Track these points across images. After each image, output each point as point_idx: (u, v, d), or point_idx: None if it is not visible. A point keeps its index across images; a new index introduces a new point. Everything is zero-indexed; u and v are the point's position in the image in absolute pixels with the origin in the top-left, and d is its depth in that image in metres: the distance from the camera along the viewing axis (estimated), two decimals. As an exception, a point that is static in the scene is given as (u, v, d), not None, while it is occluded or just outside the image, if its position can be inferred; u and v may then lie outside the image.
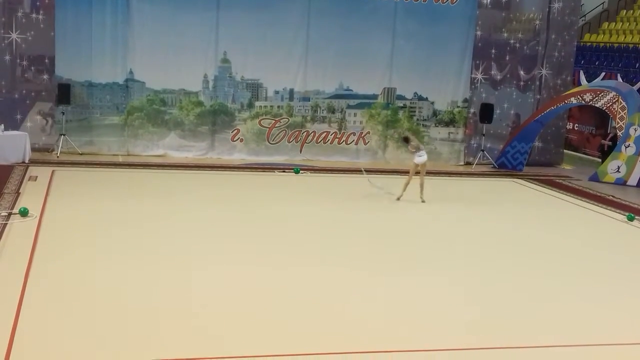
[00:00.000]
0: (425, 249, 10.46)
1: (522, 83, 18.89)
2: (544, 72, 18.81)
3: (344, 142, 18.01)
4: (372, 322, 7.40)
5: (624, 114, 16.68)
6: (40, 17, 15.78)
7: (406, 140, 13.65)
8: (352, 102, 18.06)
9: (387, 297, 8.18)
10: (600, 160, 18.79)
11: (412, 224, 11.95)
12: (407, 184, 13.11)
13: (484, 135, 18.36)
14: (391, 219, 12.13)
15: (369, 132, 18.12)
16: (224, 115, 17.42)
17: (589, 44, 24.16)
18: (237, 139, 17.43)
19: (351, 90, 18.03)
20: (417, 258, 9.97)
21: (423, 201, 13.11)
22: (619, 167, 16.64)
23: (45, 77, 16.03)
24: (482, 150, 18.08)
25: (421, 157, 12.99)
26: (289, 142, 17.68)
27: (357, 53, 17.64)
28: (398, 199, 13.19)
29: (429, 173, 13.84)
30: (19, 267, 8.25)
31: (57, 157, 15.56)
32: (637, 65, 21.13)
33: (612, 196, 15.02)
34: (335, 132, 17.97)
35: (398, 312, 7.76)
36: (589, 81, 20.56)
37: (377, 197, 13.70)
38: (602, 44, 23.78)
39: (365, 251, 10.01)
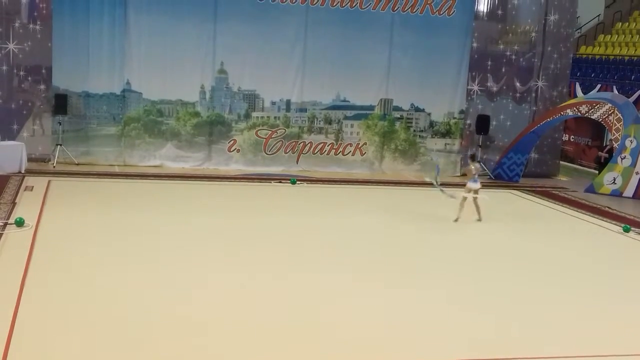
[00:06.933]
0: (423, 260, 10.43)
1: (518, 95, 18.96)
2: (540, 83, 18.89)
3: (340, 153, 18.04)
4: (371, 333, 7.36)
5: (620, 125, 16.73)
6: (38, 27, 15.80)
7: (472, 158, 13.78)
8: (349, 113, 18.09)
9: (386, 308, 8.14)
10: (596, 171, 18.83)
11: (409, 235, 11.93)
12: (462, 206, 12.87)
13: (480, 146, 18.40)
14: (388, 229, 12.12)
15: (365, 143, 18.15)
16: (221, 126, 17.42)
17: (584, 56, 24.25)
18: (233, 150, 17.44)
19: (348, 101, 18.06)
20: (415, 269, 9.95)
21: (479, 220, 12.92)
22: (614, 179, 16.67)
23: (43, 87, 16.05)
24: (479, 162, 18.07)
25: (475, 184, 12.87)
26: (285, 152, 17.69)
27: (354, 64, 17.69)
28: (455, 220, 12.82)
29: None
30: (15, 277, 8.22)
31: (54, 167, 15.54)
32: (633, 77, 21.21)
33: (608, 208, 15.05)
34: (332, 143, 17.99)
35: (397, 324, 7.72)
36: (584, 93, 20.64)
37: (373, 207, 13.70)
38: (597, 56, 23.87)
39: (364, 262, 9.98)
